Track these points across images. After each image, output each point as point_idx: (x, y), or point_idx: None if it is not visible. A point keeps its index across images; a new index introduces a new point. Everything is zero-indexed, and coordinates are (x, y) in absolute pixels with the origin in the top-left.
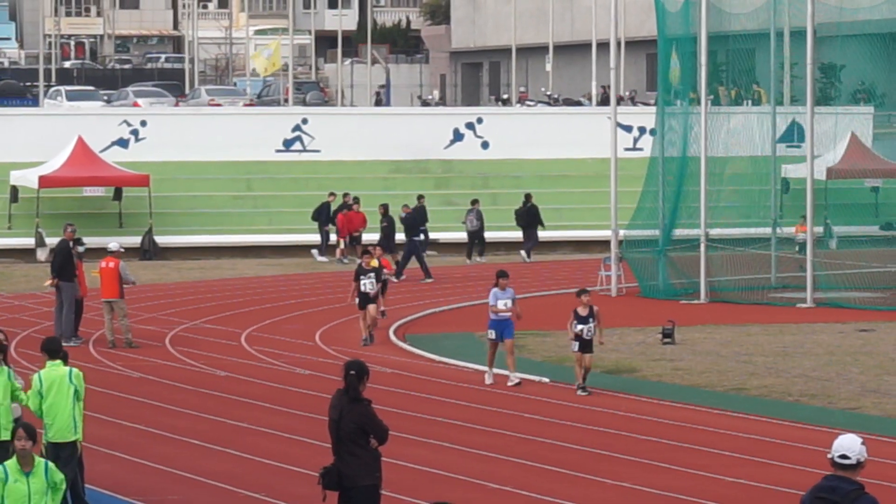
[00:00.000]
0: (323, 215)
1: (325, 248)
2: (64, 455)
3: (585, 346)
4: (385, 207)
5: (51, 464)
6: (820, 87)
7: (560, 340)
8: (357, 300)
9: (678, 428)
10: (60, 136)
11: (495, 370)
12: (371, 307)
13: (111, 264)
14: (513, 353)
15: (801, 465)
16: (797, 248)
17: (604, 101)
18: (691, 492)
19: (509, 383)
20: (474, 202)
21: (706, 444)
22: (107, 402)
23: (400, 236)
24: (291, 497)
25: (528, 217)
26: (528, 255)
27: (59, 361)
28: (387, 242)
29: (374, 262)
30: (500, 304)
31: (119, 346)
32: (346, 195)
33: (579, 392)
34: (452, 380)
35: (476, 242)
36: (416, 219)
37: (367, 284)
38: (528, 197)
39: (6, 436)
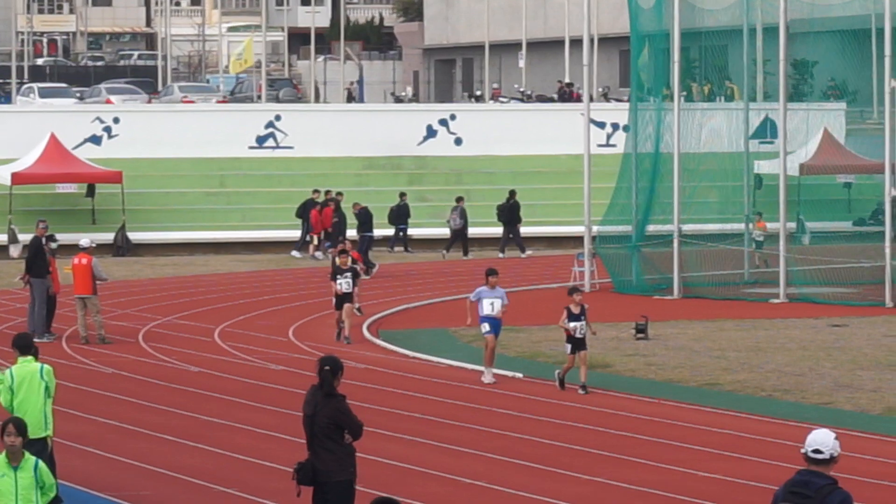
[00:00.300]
0: (307, 212)
1: (303, 245)
2: (33, 451)
3: (578, 344)
4: (336, 203)
5: (42, 464)
6: (793, 84)
7: (533, 336)
8: (334, 300)
9: (651, 423)
10: (33, 133)
11: (475, 366)
12: (346, 306)
13: (84, 261)
14: (494, 351)
15: (774, 460)
16: (754, 246)
17: (562, 97)
18: (665, 486)
19: (486, 380)
20: (459, 200)
21: (679, 439)
22: (80, 398)
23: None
24: (265, 492)
25: (510, 213)
26: (523, 251)
27: (30, 357)
28: (337, 238)
29: (348, 262)
30: (487, 303)
31: (92, 342)
32: (328, 192)
33: (580, 391)
34: (426, 375)
35: (459, 240)
36: (399, 215)
37: (344, 284)
38: (511, 193)
39: None
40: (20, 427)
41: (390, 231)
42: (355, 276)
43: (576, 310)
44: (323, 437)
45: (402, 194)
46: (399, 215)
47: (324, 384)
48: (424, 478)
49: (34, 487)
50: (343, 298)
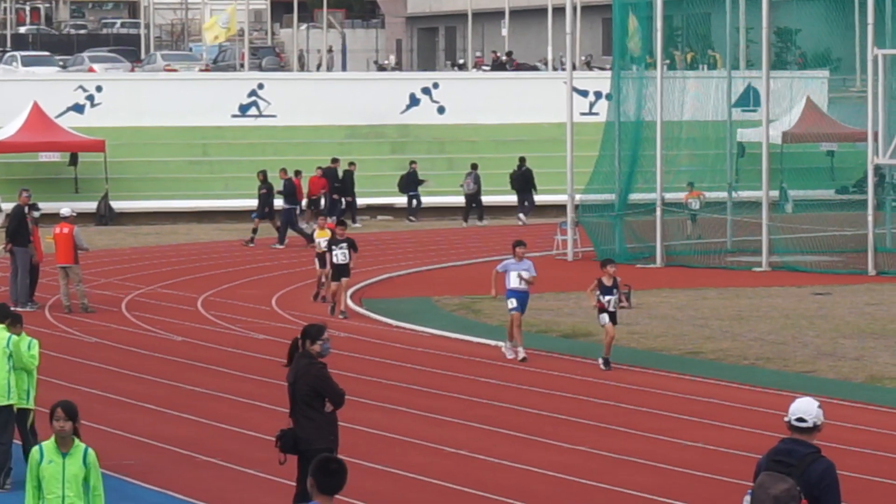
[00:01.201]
0: (330, 182)
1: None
2: (1, 419)
3: (612, 316)
4: (264, 174)
5: (92, 452)
6: (775, 52)
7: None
8: (330, 271)
9: (634, 392)
10: (16, 102)
11: (457, 335)
12: (345, 280)
13: (65, 230)
14: (521, 327)
15: (757, 429)
16: (689, 218)
17: (497, 65)
18: (648, 455)
19: (509, 356)
20: (474, 166)
21: (662, 408)
22: (63, 368)
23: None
24: (249, 461)
25: (523, 180)
26: (525, 217)
27: (2, 326)
28: (264, 209)
29: (345, 232)
30: (514, 276)
31: (75, 311)
32: (335, 160)
33: (602, 367)
34: (409, 344)
35: (474, 206)
36: (409, 183)
37: (340, 255)
38: (521, 160)
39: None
40: (70, 411)
41: (399, 199)
42: (351, 246)
43: (608, 282)
44: (303, 404)
45: (413, 162)
46: (409, 183)
47: (295, 346)
48: (407, 447)
49: (83, 476)
50: (339, 270)
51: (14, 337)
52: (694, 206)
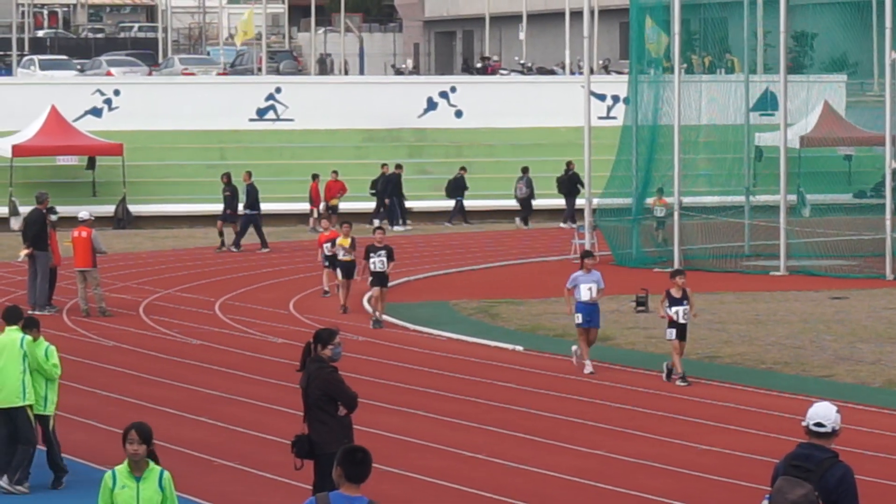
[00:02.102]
0: (382, 186)
1: (399, 217)
2: (5, 418)
3: (681, 330)
4: (228, 176)
5: (168, 476)
6: (793, 56)
7: (534, 309)
8: (369, 279)
9: (652, 396)
10: (34, 106)
11: (475, 339)
12: (384, 289)
13: (84, 233)
14: (593, 343)
15: (774, 433)
16: (655, 224)
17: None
18: (665, 460)
19: (585, 370)
20: (525, 170)
21: (680, 412)
22: (81, 371)
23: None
24: (266, 465)
25: (570, 185)
26: (570, 222)
27: (15, 327)
28: (226, 212)
29: (384, 239)
30: (584, 289)
31: (93, 315)
32: (384, 166)
33: (679, 383)
34: (426, 348)
35: (522, 209)
36: (456, 188)
37: (378, 263)
38: (569, 165)
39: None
40: (144, 434)
41: (447, 203)
42: (389, 254)
43: (677, 293)
44: (316, 409)
45: (462, 168)
46: (456, 188)
47: (307, 350)
48: (424, 450)
49: (158, 501)
50: (378, 278)
51: (28, 337)
52: (659, 214)
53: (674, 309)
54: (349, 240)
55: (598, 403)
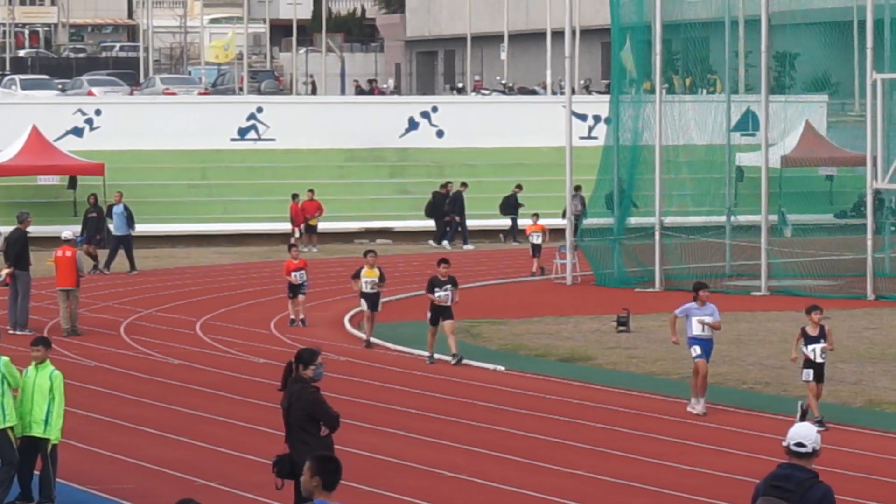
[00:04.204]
0: (450, 205)
1: (444, 236)
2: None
3: (819, 371)
4: (95, 197)
5: None
6: (774, 76)
7: (515, 329)
8: (429, 314)
9: (633, 416)
10: (15, 125)
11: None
12: (448, 322)
13: (68, 253)
14: (706, 378)
15: (755, 453)
16: (532, 250)
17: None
18: (646, 480)
19: (695, 411)
20: (577, 188)
21: (661, 432)
22: None
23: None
24: (247, 485)
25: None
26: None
27: None
28: (94, 234)
29: (448, 272)
30: (696, 322)
31: (58, 332)
32: (448, 184)
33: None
34: (406, 368)
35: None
36: (509, 206)
37: (444, 296)
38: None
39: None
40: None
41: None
42: (454, 285)
43: (813, 331)
44: (298, 429)
45: (518, 186)
46: (508, 206)
47: (288, 370)
48: (405, 471)
49: None
50: (441, 312)
51: (5, 358)
52: (535, 240)
53: (810, 347)
54: (376, 271)
55: (578, 423)
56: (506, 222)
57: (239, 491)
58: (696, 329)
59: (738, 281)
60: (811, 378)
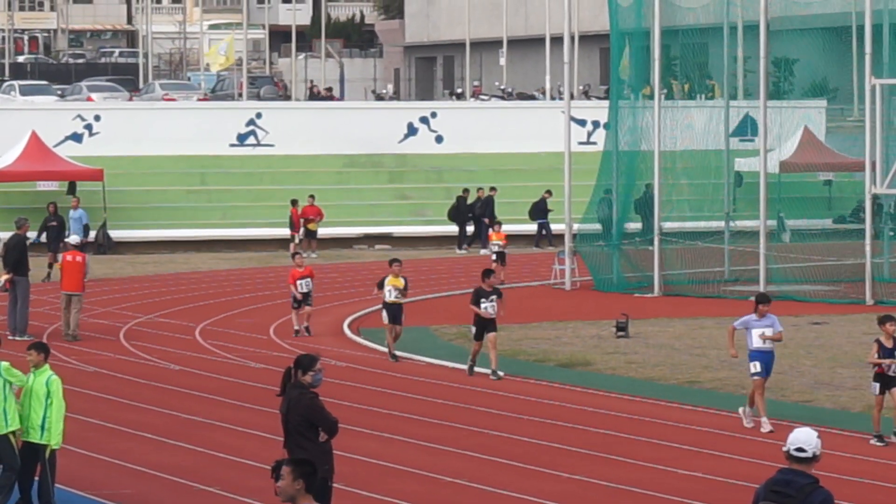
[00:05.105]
0: (481, 209)
1: (464, 240)
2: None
3: (887, 383)
4: (54, 206)
5: None
6: (773, 82)
7: (514, 334)
8: (474, 329)
9: (632, 421)
10: (14, 131)
11: (455, 364)
12: (492, 335)
13: (78, 258)
14: (763, 394)
15: (754, 458)
16: (494, 257)
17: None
18: (646, 485)
19: (763, 429)
20: (608, 192)
21: (660, 437)
22: None
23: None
24: (246, 490)
25: (647, 205)
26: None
27: None
28: (55, 244)
29: (494, 282)
30: (757, 335)
31: (59, 338)
32: (479, 190)
33: (874, 441)
34: (405, 373)
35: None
36: (538, 210)
37: (490, 308)
38: (647, 187)
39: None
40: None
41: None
42: (500, 296)
43: (889, 343)
44: (296, 434)
45: (548, 192)
46: (538, 210)
47: (295, 381)
48: (404, 476)
49: None
50: (486, 324)
51: (5, 363)
52: (494, 248)
53: (887, 361)
54: (401, 280)
55: (577, 428)
56: (533, 227)
57: (238, 496)
58: (756, 342)
59: (736, 286)
60: (877, 392)
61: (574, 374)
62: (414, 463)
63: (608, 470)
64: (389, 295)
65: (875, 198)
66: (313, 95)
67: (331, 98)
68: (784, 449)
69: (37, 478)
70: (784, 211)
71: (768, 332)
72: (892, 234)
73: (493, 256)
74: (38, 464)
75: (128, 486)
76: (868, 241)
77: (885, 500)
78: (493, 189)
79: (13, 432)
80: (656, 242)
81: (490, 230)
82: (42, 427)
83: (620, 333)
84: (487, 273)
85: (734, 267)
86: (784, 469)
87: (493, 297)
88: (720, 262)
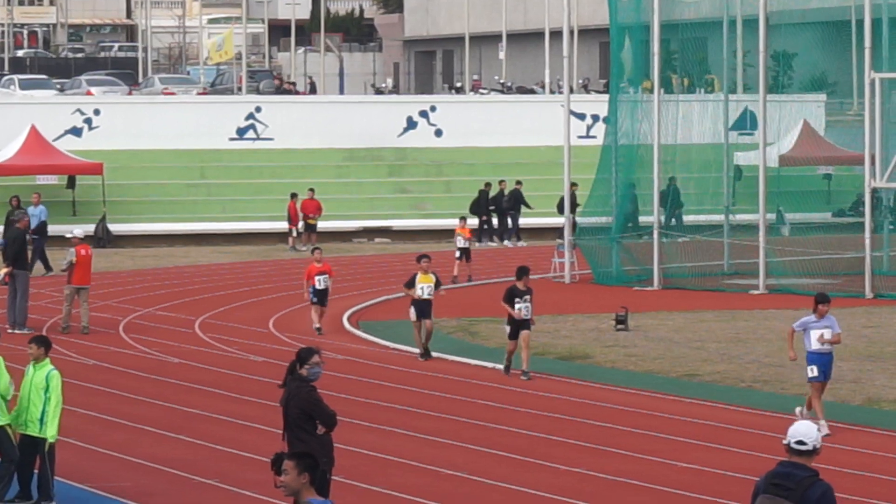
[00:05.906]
0: (508, 202)
1: (484, 234)
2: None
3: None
4: (17, 199)
5: None
6: (772, 76)
7: None
8: (508, 328)
9: (631, 414)
10: (14, 125)
11: (455, 357)
12: (524, 333)
13: (89, 251)
14: (821, 398)
15: (753, 451)
16: (458, 254)
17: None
18: (644, 477)
19: (822, 432)
20: (632, 186)
21: (659, 430)
22: None
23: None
24: (245, 483)
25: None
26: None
27: None
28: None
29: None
30: (815, 336)
31: (73, 333)
32: (501, 182)
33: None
34: (405, 366)
35: (630, 225)
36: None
37: (524, 309)
38: (671, 179)
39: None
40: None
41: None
42: (532, 296)
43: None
44: (295, 427)
45: (574, 184)
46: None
47: (292, 368)
48: (404, 468)
49: None
50: (520, 324)
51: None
52: (460, 244)
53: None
54: (431, 276)
55: (577, 421)
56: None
57: (237, 489)
58: (814, 343)
59: (736, 280)
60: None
61: (573, 367)
62: (414, 456)
63: (607, 462)
64: (422, 292)
65: (874, 191)
66: (277, 89)
67: (296, 92)
68: (784, 442)
69: (36, 471)
70: (783, 204)
71: (826, 333)
72: (891, 227)
73: (458, 253)
74: (37, 456)
75: (127, 479)
76: (867, 234)
77: (886, 492)
78: (518, 182)
79: (8, 424)
80: (655, 235)
81: (486, 225)
82: (41, 420)
83: (620, 326)
84: (522, 272)
85: (733, 260)
86: (784, 462)
87: (528, 296)
88: (720, 255)
